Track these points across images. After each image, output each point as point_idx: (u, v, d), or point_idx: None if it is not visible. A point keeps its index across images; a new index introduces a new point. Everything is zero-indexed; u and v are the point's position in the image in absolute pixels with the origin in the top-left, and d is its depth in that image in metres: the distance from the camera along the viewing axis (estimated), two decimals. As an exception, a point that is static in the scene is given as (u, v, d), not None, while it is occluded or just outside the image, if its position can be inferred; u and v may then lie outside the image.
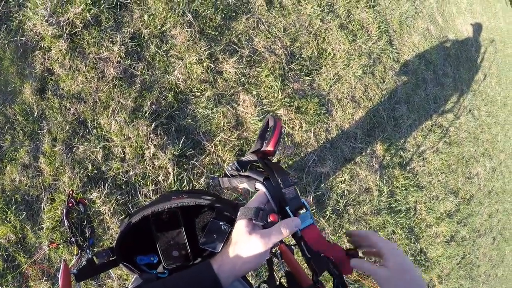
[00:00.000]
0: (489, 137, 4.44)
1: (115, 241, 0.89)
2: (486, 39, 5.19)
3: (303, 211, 0.69)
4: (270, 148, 0.74)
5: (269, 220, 0.64)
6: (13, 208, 1.84)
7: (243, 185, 0.73)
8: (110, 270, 1.78)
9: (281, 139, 0.87)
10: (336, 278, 0.67)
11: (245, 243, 0.61)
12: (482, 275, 4.00)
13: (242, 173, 0.74)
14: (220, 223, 0.88)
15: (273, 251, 1.08)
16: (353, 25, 3.07)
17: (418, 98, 3.45)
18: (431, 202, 3.31)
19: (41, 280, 1.86)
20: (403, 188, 3.08)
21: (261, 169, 0.72)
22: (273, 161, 0.75)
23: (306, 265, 0.69)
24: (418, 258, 3.14)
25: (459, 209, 3.62)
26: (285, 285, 0.98)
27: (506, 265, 4.56)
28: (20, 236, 1.86)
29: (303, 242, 0.66)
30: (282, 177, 0.67)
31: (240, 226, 0.62)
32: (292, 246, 1.10)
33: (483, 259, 4.05)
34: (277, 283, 1.00)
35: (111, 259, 0.93)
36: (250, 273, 2.16)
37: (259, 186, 0.69)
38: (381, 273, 0.64)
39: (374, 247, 0.69)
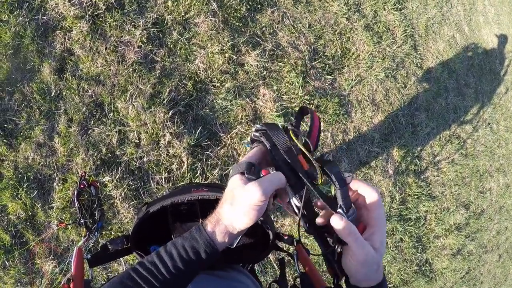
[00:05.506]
0: (505, 153, 4.33)
1: (131, 229, 0.87)
2: (511, 52, 5.04)
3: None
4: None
5: (261, 175, 0.60)
6: (24, 186, 1.84)
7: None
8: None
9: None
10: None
11: (241, 194, 0.56)
12: (484, 292, 3.94)
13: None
14: None
15: (290, 251, 1.05)
16: (379, 26, 2.99)
17: (438, 106, 3.37)
18: (441, 213, 3.25)
19: (47, 259, 1.86)
20: (415, 197, 3.02)
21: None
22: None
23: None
24: (423, 269, 3.09)
25: (469, 223, 3.55)
26: (299, 286, 0.95)
27: (509, 284, 4.48)
28: (30, 213, 1.86)
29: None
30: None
31: (234, 180, 0.58)
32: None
33: (487, 276, 3.98)
34: (291, 283, 0.98)
35: (125, 246, 0.92)
36: (259, 270, 2.14)
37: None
38: (369, 252, 0.54)
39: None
